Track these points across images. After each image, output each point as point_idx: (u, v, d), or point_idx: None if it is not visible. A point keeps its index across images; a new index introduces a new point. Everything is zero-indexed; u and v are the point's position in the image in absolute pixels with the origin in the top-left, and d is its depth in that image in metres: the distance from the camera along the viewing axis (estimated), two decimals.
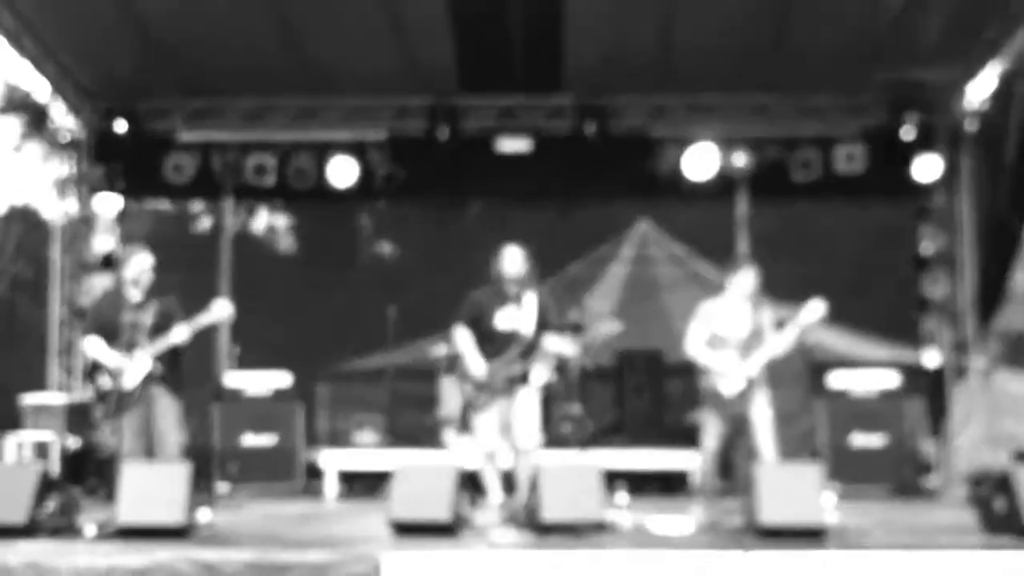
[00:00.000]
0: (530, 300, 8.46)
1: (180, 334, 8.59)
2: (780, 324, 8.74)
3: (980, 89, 12.87)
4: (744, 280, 8.69)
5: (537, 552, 6.69)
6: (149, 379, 8.52)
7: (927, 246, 13.67)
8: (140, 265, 8.65)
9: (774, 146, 13.28)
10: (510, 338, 8.31)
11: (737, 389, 8.46)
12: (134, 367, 8.49)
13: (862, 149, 13.05)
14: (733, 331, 8.62)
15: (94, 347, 8.58)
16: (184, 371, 8.94)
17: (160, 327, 8.57)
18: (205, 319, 8.75)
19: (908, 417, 11.15)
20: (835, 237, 14.43)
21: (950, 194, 13.51)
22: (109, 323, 8.53)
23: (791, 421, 10.68)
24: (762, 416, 8.60)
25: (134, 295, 8.62)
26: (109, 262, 13.53)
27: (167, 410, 8.70)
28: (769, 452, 8.51)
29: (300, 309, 13.41)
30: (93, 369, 8.72)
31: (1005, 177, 12.42)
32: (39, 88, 13.08)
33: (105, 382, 8.50)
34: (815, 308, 8.49)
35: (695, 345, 8.73)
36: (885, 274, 14.00)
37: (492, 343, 8.43)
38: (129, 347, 8.49)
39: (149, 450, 8.58)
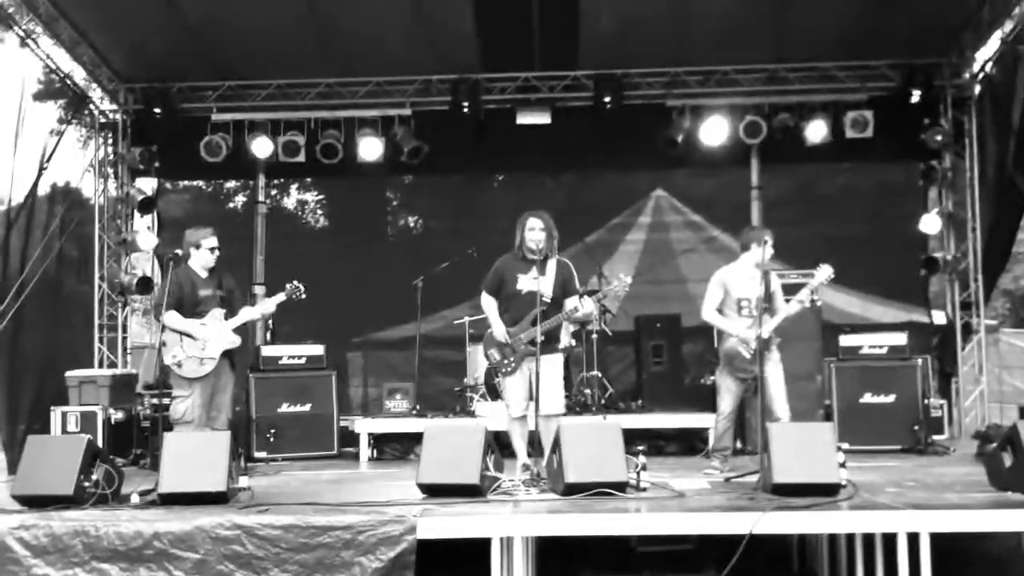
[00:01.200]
0: (552, 265, 8.65)
1: (262, 309, 9.47)
2: (792, 287, 9.05)
3: (986, 53, 13.09)
4: (757, 250, 8.92)
5: (562, 513, 6.94)
6: (227, 350, 9.15)
7: (934, 208, 13.86)
8: (210, 243, 9.23)
9: (786, 113, 13.41)
10: (532, 303, 8.43)
11: (751, 351, 8.71)
12: (217, 338, 9.06)
13: (871, 114, 13.17)
14: (747, 296, 8.89)
15: (176, 320, 8.96)
16: None
17: (226, 300, 9.27)
18: (281, 297, 9.39)
19: (917, 376, 11.29)
20: (845, 200, 14.59)
21: (957, 156, 13.67)
22: (186, 298, 9.03)
23: (804, 381, 10.91)
24: (775, 377, 8.86)
25: (202, 272, 9.21)
26: (148, 241, 13.99)
27: (229, 384, 9.34)
28: (782, 412, 8.78)
29: (331, 281, 13.57)
30: (163, 341, 8.98)
31: (1012, 138, 12.52)
32: (76, 73, 13.49)
33: (181, 352, 8.91)
34: (824, 271, 8.76)
35: (710, 310, 9.05)
36: (894, 236, 14.10)
37: (515, 308, 8.65)
38: (203, 320, 9.06)
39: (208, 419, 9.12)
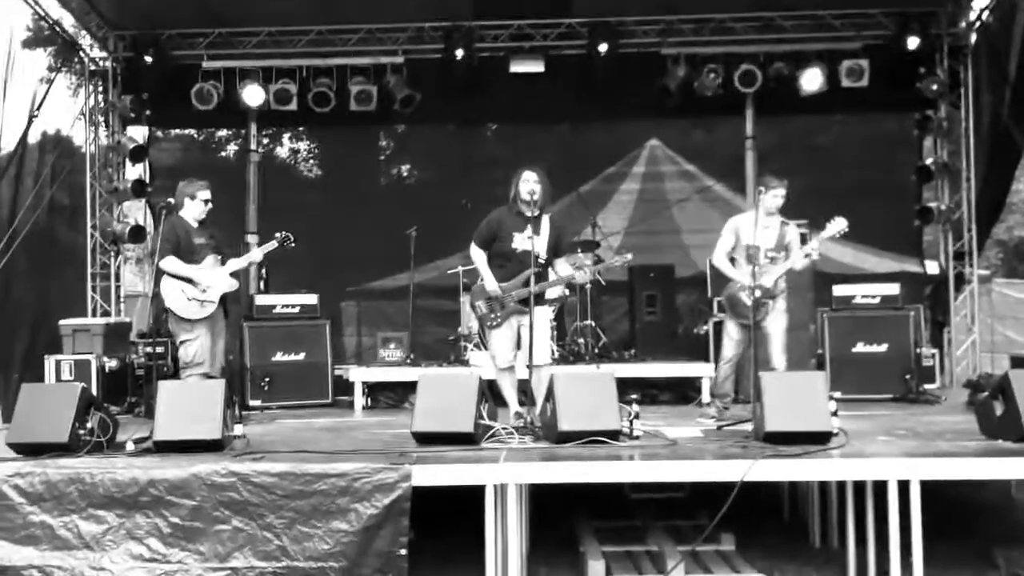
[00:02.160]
0: (546, 222, 8.59)
1: (250, 258, 9.60)
2: (804, 238, 9.05)
3: (983, 1, 13.02)
4: (771, 198, 8.98)
5: (555, 460, 6.94)
6: (226, 295, 9.29)
7: (930, 157, 13.86)
8: (204, 195, 9.31)
9: (781, 62, 13.34)
10: (525, 259, 8.36)
11: (756, 299, 8.71)
12: (216, 281, 9.17)
13: (867, 63, 13.10)
14: (756, 244, 8.88)
15: (176, 265, 9.05)
16: None
17: (217, 249, 9.36)
18: (272, 245, 9.52)
19: (909, 326, 11.32)
20: (840, 150, 14.56)
21: (953, 106, 13.61)
22: (182, 244, 9.11)
23: (797, 331, 10.88)
24: (777, 326, 8.96)
25: (193, 223, 9.29)
26: (140, 189, 13.94)
27: (223, 331, 9.46)
28: (779, 362, 8.86)
29: (325, 230, 13.59)
30: (159, 286, 9.09)
31: (1008, 88, 12.53)
32: (65, 20, 13.39)
33: (182, 295, 9.01)
34: (838, 224, 8.80)
35: (720, 256, 9.11)
36: (888, 185, 14.08)
37: (508, 263, 8.58)
38: (200, 265, 9.17)
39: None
